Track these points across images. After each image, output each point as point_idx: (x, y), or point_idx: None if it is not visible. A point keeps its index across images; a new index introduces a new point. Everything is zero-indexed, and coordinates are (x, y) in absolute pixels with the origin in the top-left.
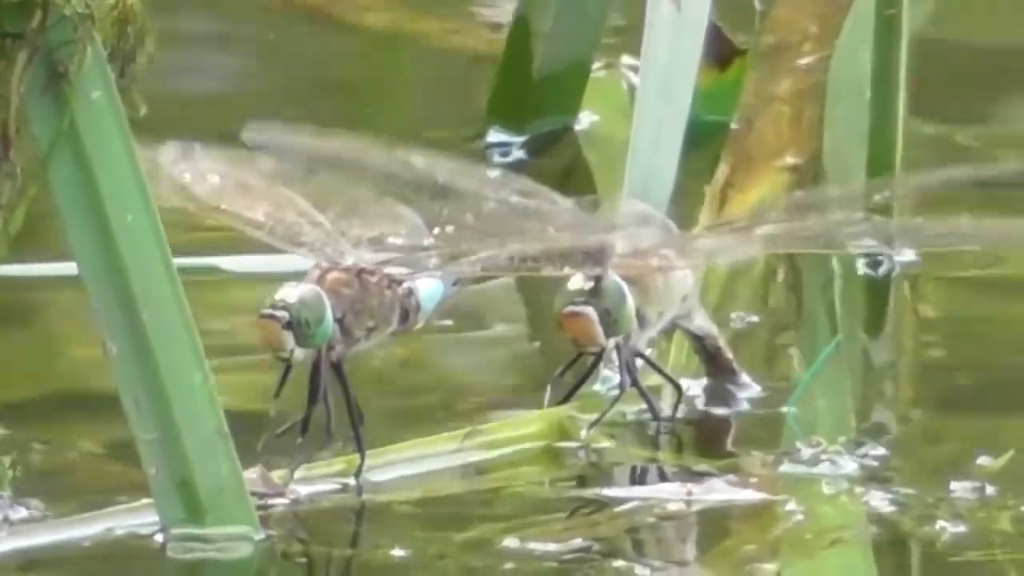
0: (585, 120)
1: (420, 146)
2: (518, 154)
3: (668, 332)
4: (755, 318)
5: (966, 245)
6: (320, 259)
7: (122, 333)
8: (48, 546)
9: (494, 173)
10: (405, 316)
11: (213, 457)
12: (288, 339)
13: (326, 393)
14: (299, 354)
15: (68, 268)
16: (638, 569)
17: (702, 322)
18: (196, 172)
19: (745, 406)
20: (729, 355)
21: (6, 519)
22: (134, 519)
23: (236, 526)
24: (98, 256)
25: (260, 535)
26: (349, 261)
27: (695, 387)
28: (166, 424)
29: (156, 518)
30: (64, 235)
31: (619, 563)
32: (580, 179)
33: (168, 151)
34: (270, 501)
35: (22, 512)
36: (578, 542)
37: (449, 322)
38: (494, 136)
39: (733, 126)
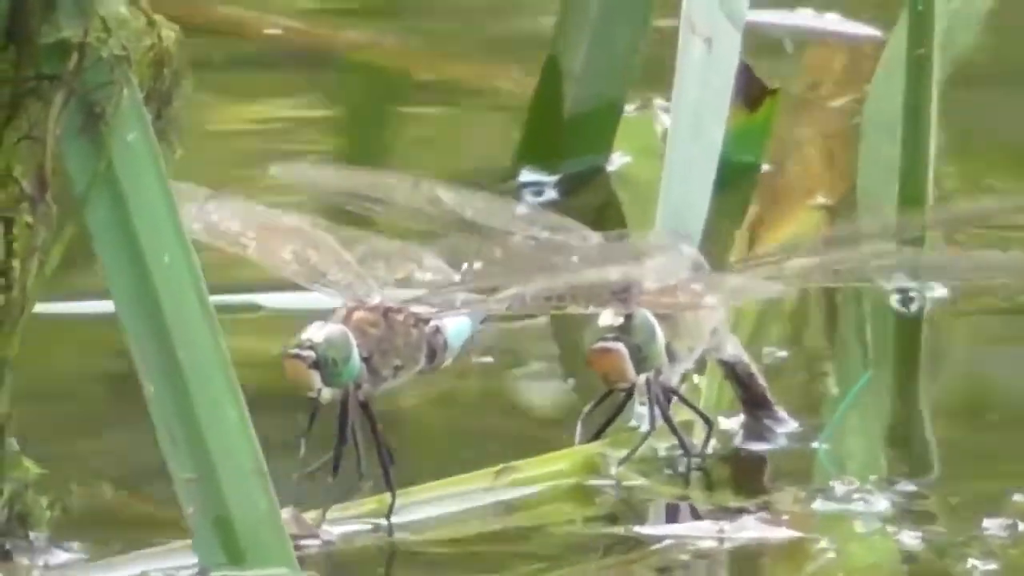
0: (617, 161)
1: (451, 184)
2: (550, 194)
3: (700, 364)
4: (786, 353)
5: (997, 279)
6: (346, 298)
7: (158, 372)
8: None
9: (523, 209)
10: (432, 355)
11: (250, 495)
12: (315, 378)
13: (355, 432)
14: (327, 393)
15: (103, 307)
16: None
17: (733, 349)
18: (224, 212)
19: (778, 442)
20: (762, 382)
21: (45, 562)
22: (172, 560)
23: (274, 567)
24: (135, 296)
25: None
26: (376, 300)
27: (729, 423)
28: (203, 463)
29: (194, 559)
30: (101, 275)
31: None
32: (612, 218)
33: (197, 191)
34: (303, 542)
35: (60, 554)
36: None
37: (481, 359)
38: (526, 176)
39: (764, 167)
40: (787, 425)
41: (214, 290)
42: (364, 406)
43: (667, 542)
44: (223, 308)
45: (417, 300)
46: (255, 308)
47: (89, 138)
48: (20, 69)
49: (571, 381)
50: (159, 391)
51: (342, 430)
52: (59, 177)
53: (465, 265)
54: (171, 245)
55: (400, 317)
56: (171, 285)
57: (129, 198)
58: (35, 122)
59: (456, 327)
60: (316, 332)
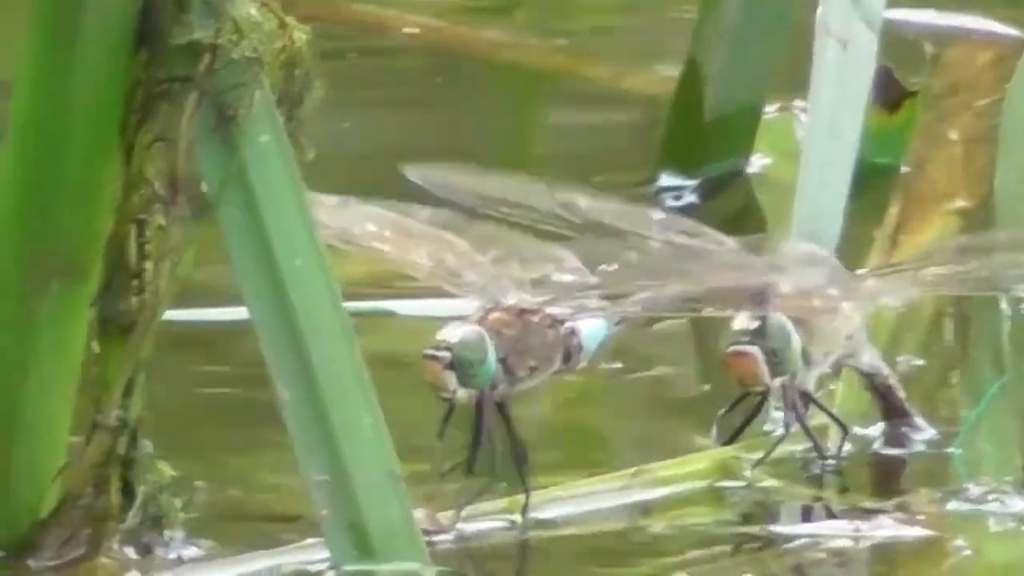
0: (757, 163)
1: (590, 190)
2: (690, 198)
3: (837, 371)
4: (922, 361)
5: None
6: (482, 300)
7: (293, 377)
8: None
9: (659, 214)
10: (568, 356)
11: (384, 500)
12: (451, 379)
13: (490, 433)
14: (462, 394)
15: (237, 313)
16: None
17: (871, 360)
18: (356, 216)
19: (914, 447)
20: (901, 393)
21: (178, 558)
22: (304, 555)
23: (407, 564)
24: (268, 300)
25: (431, 571)
26: (511, 301)
27: (865, 428)
28: (336, 467)
29: (326, 555)
30: (233, 279)
31: None
32: (752, 222)
33: (328, 197)
34: (436, 538)
35: (193, 552)
36: None
37: (615, 362)
38: (666, 180)
39: (904, 169)
40: (924, 432)
41: (346, 296)
42: (499, 406)
43: (801, 541)
44: (356, 313)
45: (552, 302)
46: (388, 314)
47: (221, 140)
48: (152, 71)
49: (706, 385)
50: (294, 396)
51: (477, 430)
52: (191, 180)
53: (601, 267)
54: (303, 248)
55: (536, 318)
56: (304, 288)
57: (261, 200)
58: (167, 124)
59: (591, 329)
60: (452, 333)
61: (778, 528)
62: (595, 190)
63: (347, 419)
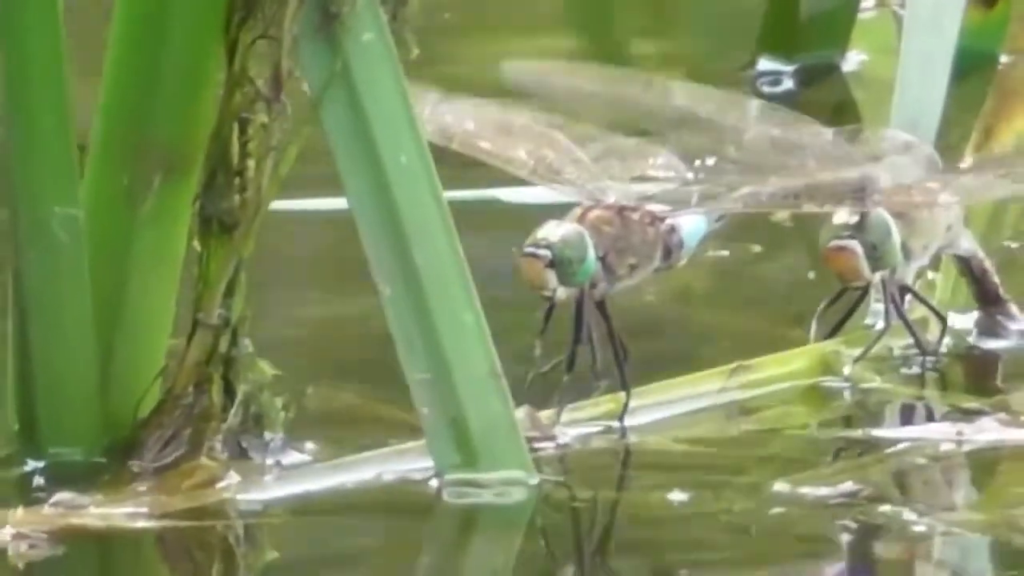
0: (853, 60)
1: (691, 75)
2: (787, 84)
3: (935, 262)
4: (1019, 245)
5: None
6: (582, 196)
7: (395, 275)
8: (320, 492)
9: (755, 105)
10: (668, 253)
11: (485, 397)
12: (551, 278)
13: (591, 331)
14: (562, 293)
15: (332, 204)
16: (906, 514)
17: (967, 244)
18: (457, 113)
19: (1011, 339)
20: (996, 279)
21: (278, 462)
22: (406, 462)
23: (510, 470)
24: (372, 199)
25: (534, 479)
26: (611, 199)
27: (964, 321)
28: (438, 364)
29: (428, 463)
30: (335, 176)
31: (888, 508)
32: (848, 115)
33: (429, 94)
34: (537, 444)
35: (294, 455)
36: (847, 486)
37: (716, 253)
38: (764, 65)
39: (1002, 58)
40: (1020, 322)
41: (447, 182)
42: (599, 305)
43: (904, 445)
44: (459, 204)
45: (652, 198)
46: (493, 201)
47: (325, 38)
48: None
49: (806, 278)
50: (395, 293)
51: (578, 329)
52: (295, 77)
53: (699, 163)
54: (407, 145)
55: (635, 216)
56: (407, 186)
57: (365, 98)
58: (271, 22)
59: (691, 225)
60: (552, 231)
61: (879, 432)
62: (691, 84)
63: (448, 316)
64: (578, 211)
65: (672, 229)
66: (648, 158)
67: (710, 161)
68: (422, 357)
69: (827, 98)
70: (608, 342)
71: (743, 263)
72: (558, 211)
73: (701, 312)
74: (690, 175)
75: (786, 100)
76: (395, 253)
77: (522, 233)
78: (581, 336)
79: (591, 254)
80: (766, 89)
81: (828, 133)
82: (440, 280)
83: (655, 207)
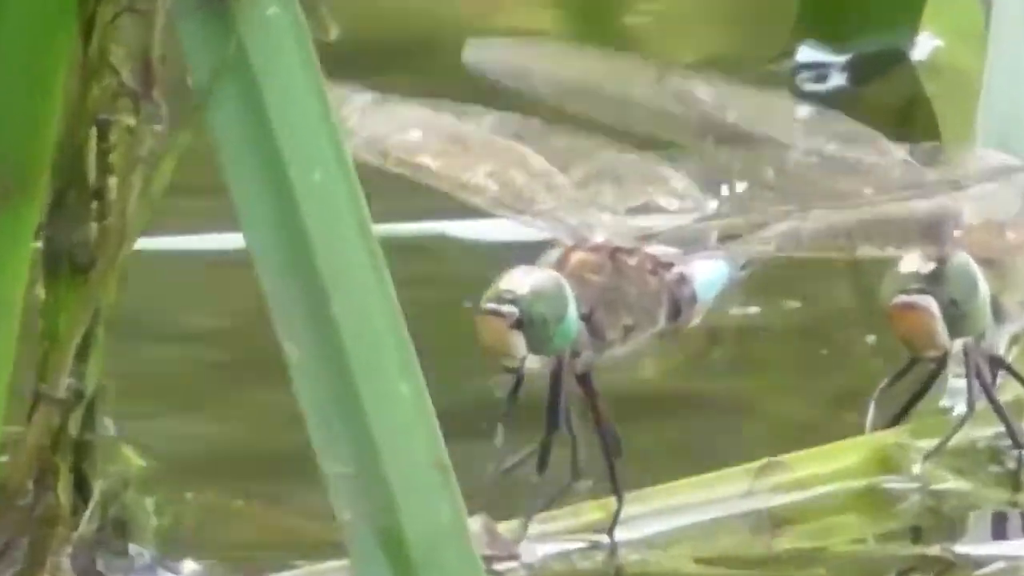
0: (925, 46)
1: (708, 68)
2: (837, 80)
3: None
4: None
5: None
6: (561, 235)
7: (306, 331)
8: None
9: (804, 111)
10: (676, 311)
11: (428, 500)
12: (518, 343)
13: (570, 415)
14: (533, 363)
15: (222, 241)
16: None
17: None
18: (395, 119)
19: None
20: None
21: None
22: None
23: None
24: (275, 228)
25: None
26: (600, 238)
27: None
28: (365, 453)
29: None
30: (228, 200)
31: None
32: (919, 121)
33: (356, 94)
34: (498, 565)
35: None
36: None
37: (738, 312)
38: (806, 55)
39: None
40: None
41: (380, 216)
42: (583, 380)
43: (995, 566)
44: (395, 242)
45: (657, 237)
46: (441, 239)
47: (213, 13)
48: None
49: (862, 345)
50: (306, 356)
51: (552, 412)
52: (172, 65)
53: (724, 188)
54: (324, 159)
55: (633, 261)
56: (323, 212)
57: (267, 93)
58: None
59: (708, 274)
60: (519, 281)
61: (961, 548)
62: (716, 77)
63: (378, 389)
64: (556, 254)
65: (682, 279)
66: (653, 182)
67: (737, 187)
68: (343, 444)
69: (890, 99)
70: (594, 429)
71: (776, 324)
72: (529, 253)
73: (720, 390)
74: (710, 206)
75: (835, 101)
76: (305, 301)
77: (480, 282)
78: (558, 421)
79: (572, 311)
80: (808, 87)
81: (897, 151)
82: (367, 340)
83: (660, 249)
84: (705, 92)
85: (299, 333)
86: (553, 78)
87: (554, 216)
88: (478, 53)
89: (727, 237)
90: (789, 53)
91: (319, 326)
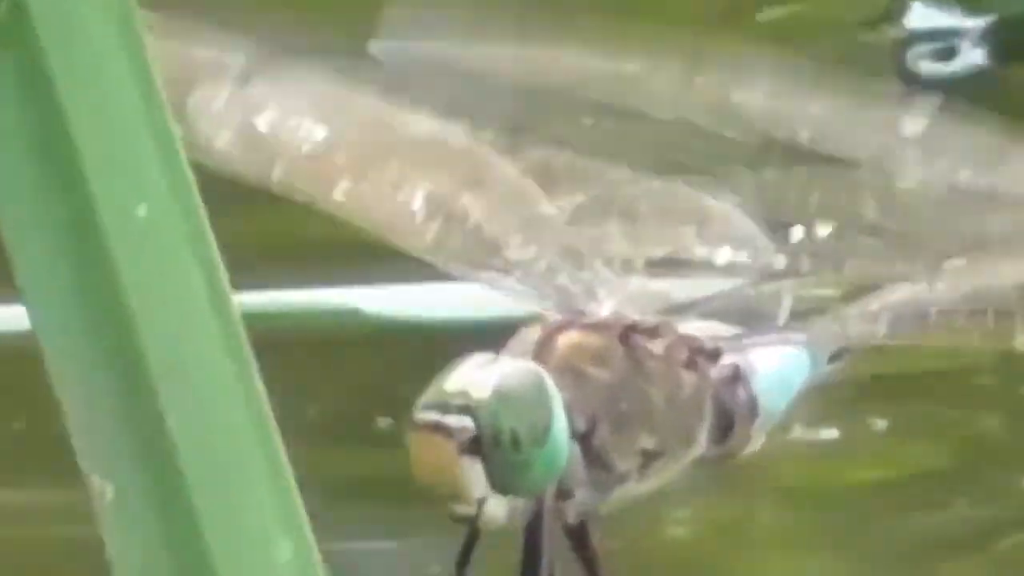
0: None
1: (758, 61)
2: (970, 56)
3: None
4: None
5: None
6: (543, 303)
7: (124, 456)
8: None
9: (916, 122)
10: (727, 425)
11: None
12: (474, 476)
13: None
14: (498, 507)
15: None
16: None
17: None
18: (278, 106)
19: None
20: None
21: None
22: None
23: None
24: (75, 295)
25: None
26: (607, 308)
27: None
28: None
29: None
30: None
31: None
32: None
33: (223, 59)
34: None
35: None
36: None
37: (825, 434)
38: (921, 16)
39: None
40: None
41: (254, 286)
42: (576, 535)
43: None
44: (274, 317)
45: (696, 308)
46: (350, 315)
47: None
48: None
49: (1008, 501)
50: (125, 495)
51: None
52: None
53: (798, 233)
54: (152, 183)
55: (658, 346)
56: (152, 268)
57: (57, 74)
58: None
59: (777, 368)
60: (477, 377)
61: None
62: (773, 65)
63: (243, 549)
64: (535, 334)
65: (736, 376)
66: (689, 219)
67: (821, 230)
68: None
69: None
70: None
71: (866, 453)
72: (493, 334)
73: (774, 556)
74: (776, 259)
75: (966, 89)
76: (125, 413)
77: (414, 382)
78: None
79: (560, 426)
80: (924, 66)
81: None
82: (223, 473)
83: (702, 328)
84: (757, 91)
85: (113, 460)
86: (517, 66)
87: (534, 272)
88: (392, 40)
89: (806, 310)
90: (897, 14)
91: (146, 449)
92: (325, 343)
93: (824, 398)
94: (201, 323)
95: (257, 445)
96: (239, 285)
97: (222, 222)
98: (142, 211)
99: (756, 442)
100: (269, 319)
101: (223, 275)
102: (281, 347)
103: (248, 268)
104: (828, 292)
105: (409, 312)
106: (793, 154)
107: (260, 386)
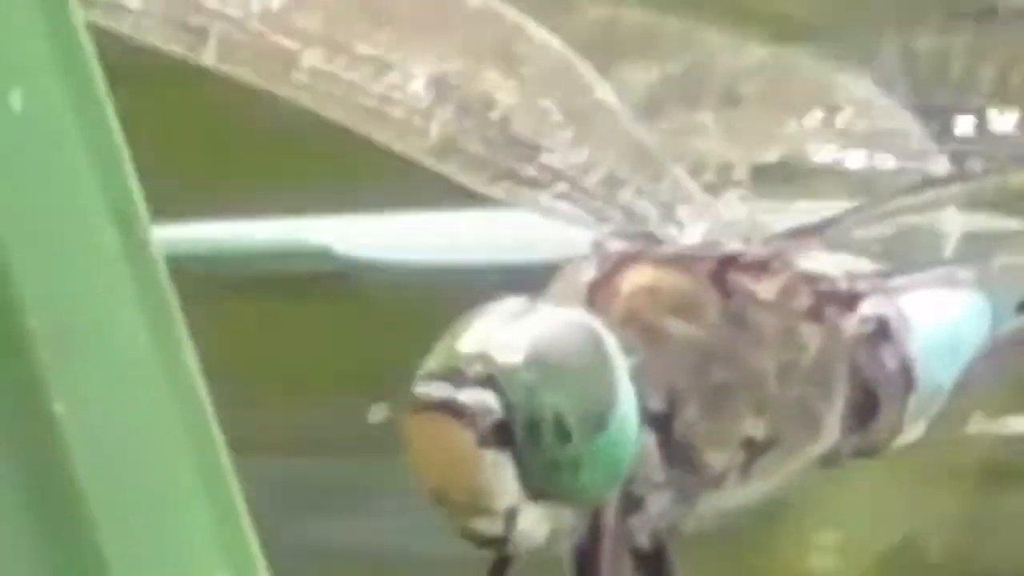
0: None
1: None
2: None
3: None
4: None
5: None
6: (599, 228)
7: (22, 508)
8: None
9: None
10: (869, 404)
11: None
12: (501, 476)
13: None
14: (534, 525)
15: None
16: None
17: None
18: None
19: None
20: None
21: None
22: None
23: None
24: None
25: None
26: (689, 236)
27: None
28: None
29: None
30: None
31: None
32: None
33: None
34: None
35: None
36: None
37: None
38: None
39: None
40: None
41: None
42: (650, 564)
43: None
44: (203, 256)
45: (819, 235)
46: (321, 256)
47: None
48: None
49: None
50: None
51: None
52: None
53: (967, 124)
54: (32, 52)
55: (767, 291)
56: (23, 176)
57: None
58: None
59: (943, 323)
60: (506, 336)
61: None
62: None
63: None
64: (588, 273)
65: (881, 333)
66: (815, 110)
67: (1001, 120)
68: None
69: None
70: None
71: None
72: (524, 276)
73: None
74: (940, 161)
75: None
76: (21, 448)
77: (411, 346)
78: None
79: (626, 405)
80: None
81: None
82: (138, 486)
83: (829, 264)
84: None
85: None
86: None
87: (586, 184)
88: None
89: (983, 237)
90: None
91: (31, 463)
92: (288, 291)
93: (1018, 370)
94: (106, 269)
95: (187, 448)
96: (162, 213)
97: (136, 114)
98: (15, 100)
99: (912, 431)
100: (205, 262)
101: (137, 197)
102: (226, 296)
103: (176, 186)
104: (1012, 211)
105: (403, 248)
106: (959, 8)
107: (192, 360)
